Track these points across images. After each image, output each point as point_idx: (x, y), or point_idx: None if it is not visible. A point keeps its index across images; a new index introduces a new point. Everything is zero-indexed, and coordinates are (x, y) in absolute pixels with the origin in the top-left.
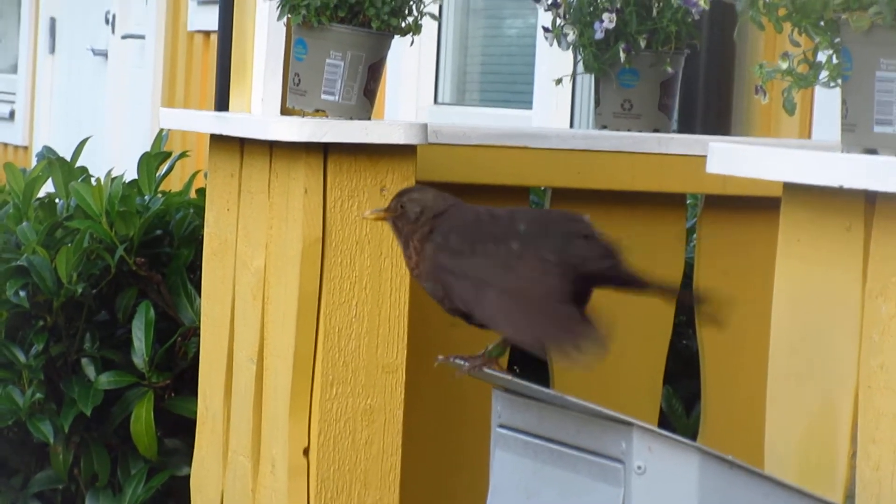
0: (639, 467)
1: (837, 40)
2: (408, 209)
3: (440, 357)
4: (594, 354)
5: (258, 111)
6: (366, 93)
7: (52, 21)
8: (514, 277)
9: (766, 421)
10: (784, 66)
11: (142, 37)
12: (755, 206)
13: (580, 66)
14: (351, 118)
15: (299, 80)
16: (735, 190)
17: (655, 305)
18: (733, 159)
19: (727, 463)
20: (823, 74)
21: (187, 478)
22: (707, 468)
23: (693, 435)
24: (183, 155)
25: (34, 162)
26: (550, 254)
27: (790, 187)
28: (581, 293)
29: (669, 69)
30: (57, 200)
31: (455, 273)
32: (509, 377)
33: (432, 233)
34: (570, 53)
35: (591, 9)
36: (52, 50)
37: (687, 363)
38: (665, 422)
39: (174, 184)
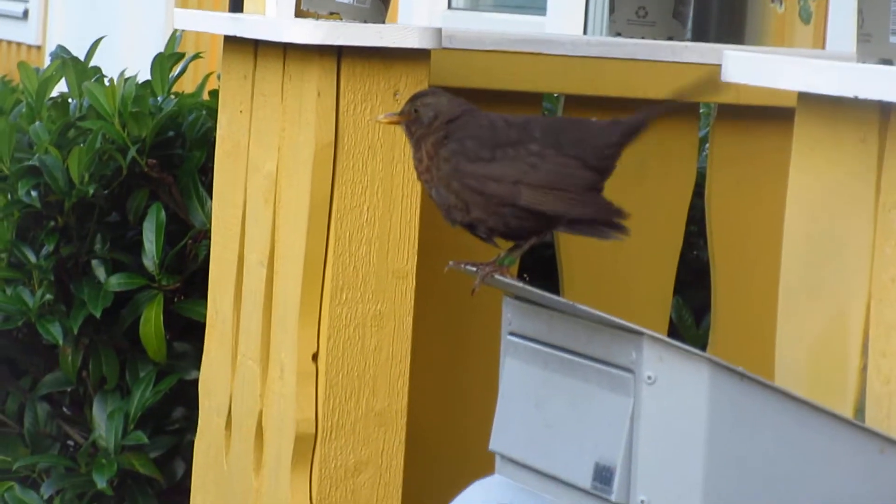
0: (649, 377)
1: None
2: (421, 113)
3: (451, 263)
4: (626, 231)
5: (272, 12)
6: None
7: None
8: (542, 174)
9: (776, 333)
10: None
11: None
12: (768, 116)
13: None
14: (365, 21)
15: None
16: (748, 99)
17: (666, 216)
18: (749, 68)
19: (738, 375)
20: None
21: (196, 381)
22: (717, 379)
23: (703, 346)
24: (196, 56)
25: (47, 61)
26: (569, 151)
27: (805, 97)
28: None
29: None
30: (70, 100)
31: (477, 177)
32: (521, 284)
33: (447, 139)
34: None
35: None
36: None
37: (697, 274)
38: (674, 332)
39: (187, 85)
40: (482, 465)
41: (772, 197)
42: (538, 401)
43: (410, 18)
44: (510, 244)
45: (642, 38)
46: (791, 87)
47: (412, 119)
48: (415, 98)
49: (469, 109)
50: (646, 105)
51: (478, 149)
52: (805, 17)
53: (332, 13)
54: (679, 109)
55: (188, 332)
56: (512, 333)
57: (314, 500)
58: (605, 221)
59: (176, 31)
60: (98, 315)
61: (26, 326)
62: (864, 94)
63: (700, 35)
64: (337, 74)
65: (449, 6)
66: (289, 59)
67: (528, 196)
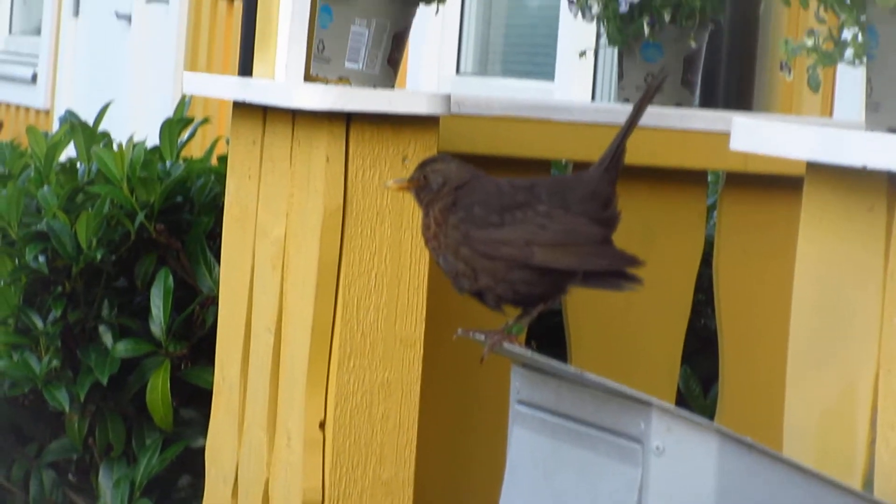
0: (657, 448)
1: (863, 18)
2: (431, 180)
3: (460, 330)
4: (640, 281)
5: (282, 78)
6: (390, 62)
7: None
8: (551, 234)
9: (785, 403)
10: (809, 42)
11: (166, 1)
12: (777, 185)
13: (604, 39)
14: (374, 87)
15: (323, 48)
16: (757, 168)
17: (674, 284)
18: (757, 136)
19: (746, 445)
20: (849, 52)
21: (202, 449)
22: (726, 450)
23: (710, 416)
24: (205, 121)
25: (56, 126)
26: (576, 209)
27: (813, 166)
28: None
29: (693, 44)
30: (78, 165)
31: (487, 242)
32: (529, 353)
33: (455, 205)
34: (592, 26)
35: None
36: (77, 13)
37: (705, 343)
38: (682, 401)
39: (196, 150)
40: None
41: (780, 266)
42: (546, 471)
43: (418, 84)
44: (518, 311)
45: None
46: (799, 155)
47: (421, 185)
48: (424, 164)
49: (476, 175)
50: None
51: (486, 214)
52: (814, 86)
53: (341, 78)
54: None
55: (195, 399)
56: (520, 402)
57: None
58: (619, 272)
59: (185, 95)
60: (105, 381)
61: (33, 393)
62: (872, 163)
63: (708, 102)
64: (346, 140)
65: (457, 72)
66: (298, 125)
67: (541, 255)
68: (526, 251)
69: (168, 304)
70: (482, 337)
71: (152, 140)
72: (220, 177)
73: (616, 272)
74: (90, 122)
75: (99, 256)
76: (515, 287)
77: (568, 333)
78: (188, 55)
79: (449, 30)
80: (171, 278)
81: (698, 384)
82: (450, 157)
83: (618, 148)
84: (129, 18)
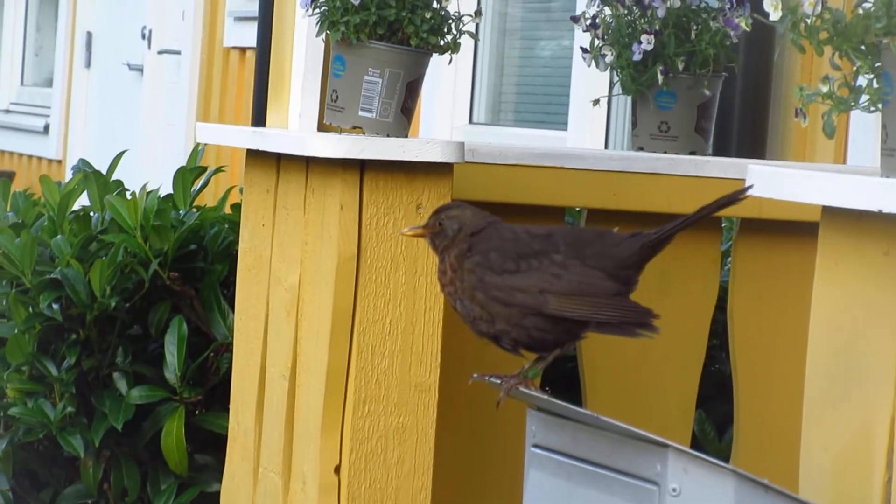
0: (674, 490)
1: (878, 64)
2: (446, 226)
3: (475, 375)
4: (656, 330)
5: (295, 127)
6: (403, 110)
7: (89, 35)
8: (566, 283)
9: (801, 445)
10: (824, 89)
11: (178, 52)
12: (791, 231)
13: (617, 88)
14: (388, 135)
15: (337, 97)
16: (771, 214)
17: (688, 330)
18: (772, 182)
19: (762, 486)
20: (864, 99)
21: (217, 494)
22: (742, 491)
23: (725, 460)
24: (218, 170)
25: (68, 176)
26: (592, 263)
27: (829, 211)
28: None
29: (707, 92)
30: (92, 214)
31: (502, 288)
32: (545, 396)
33: (470, 251)
34: (604, 75)
35: (630, 30)
36: (88, 64)
37: (720, 387)
38: (697, 445)
39: (209, 199)
40: None
41: (794, 310)
42: None
43: (432, 132)
44: (534, 356)
45: (664, 152)
46: (815, 201)
47: (436, 232)
48: (439, 211)
49: (493, 221)
50: (668, 219)
51: (502, 261)
52: (829, 132)
53: (354, 127)
54: (699, 223)
55: (210, 445)
56: (536, 446)
57: None
58: (634, 322)
59: (198, 144)
60: (119, 427)
61: (47, 439)
62: (887, 208)
63: (722, 150)
64: (360, 188)
65: (470, 121)
66: (311, 173)
67: (555, 303)
68: (540, 298)
69: (182, 351)
70: (498, 381)
71: (166, 189)
72: (234, 225)
73: (631, 322)
74: (103, 171)
75: (113, 304)
76: (530, 332)
77: (583, 379)
78: (200, 105)
79: (462, 79)
80: (185, 325)
81: (713, 428)
82: (465, 204)
83: (665, 235)
84: (140, 69)
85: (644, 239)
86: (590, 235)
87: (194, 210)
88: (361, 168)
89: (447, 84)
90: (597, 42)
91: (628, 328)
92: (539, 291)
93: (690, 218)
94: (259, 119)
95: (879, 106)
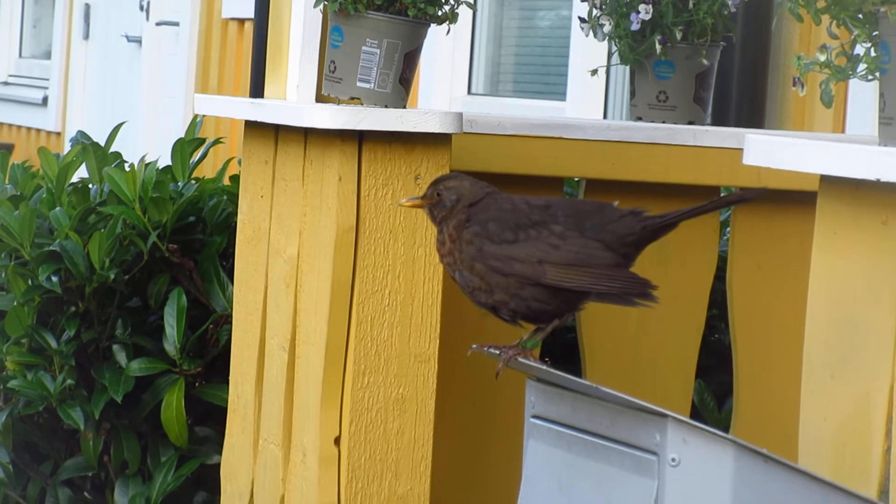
0: (673, 459)
1: (876, 33)
2: (444, 197)
3: (474, 346)
4: (653, 301)
5: (293, 98)
6: (401, 81)
7: (87, 7)
8: (564, 254)
9: (800, 415)
10: (822, 58)
11: (176, 24)
12: (789, 200)
13: (615, 58)
14: (386, 106)
15: (335, 68)
16: (769, 183)
17: (688, 300)
18: (770, 151)
19: (762, 456)
20: (861, 67)
21: (217, 466)
22: (742, 461)
23: (725, 430)
24: (217, 141)
25: (67, 148)
26: (591, 235)
27: (827, 180)
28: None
29: (705, 61)
30: (90, 186)
31: (500, 258)
32: (544, 367)
33: (469, 221)
34: (603, 46)
35: (628, 0)
36: (87, 36)
37: (719, 357)
38: (697, 415)
39: (207, 170)
40: None
41: (793, 280)
42: (562, 484)
43: (430, 103)
44: (533, 327)
45: (663, 122)
46: (814, 170)
47: (435, 202)
48: (438, 182)
49: (491, 192)
50: (667, 189)
51: (500, 231)
52: (827, 101)
53: (352, 98)
54: (688, 195)
55: (210, 417)
56: (535, 416)
57: None
58: (633, 293)
59: (196, 116)
60: (119, 400)
61: (47, 411)
62: (886, 176)
63: (720, 119)
64: (358, 159)
65: (469, 91)
66: (310, 144)
67: (553, 273)
68: (538, 269)
69: (182, 323)
70: (497, 352)
71: (164, 161)
72: (233, 196)
73: (630, 292)
74: (101, 143)
75: (112, 276)
76: (528, 303)
77: (582, 349)
78: (199, 76)
79: (460, 50)
80: (184, 297)
81: (712, 398)
82: (463, 175)
83: (669, 221)
84: (139, 41)
85: (646, 221)
86: (589, 207)
87: (193, 182)
88: (360, 139)
89: (445, 54)
90: (595, 12)
91: (627, 298)
92: (537, 262)
93: (697, 209)
94: (257, 90)
95: (877, 75)
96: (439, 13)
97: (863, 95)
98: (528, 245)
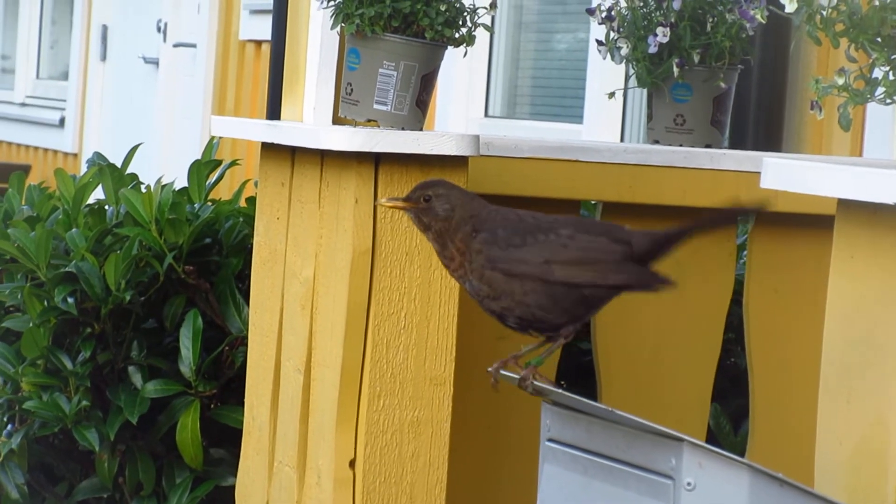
0: (689, 483)
1: (894, 56)
2: (434, 205)
3: (494, 370)
4: (670, 287)
5: (310, 120)
6: (418, 103)
7: (104, 28)
8: (572, 252)
9: (816, 439)
10: (840, 81)
11: (193, 45)
12: (806, 224)
13: (632, 81)
14: (403, 128)
15: (352, 90)
16: (786, 207)
17: (704, 323)
18: (788, 175)
19: (777, 481)
20: (880, 91)
21: (232, 488)
22: (757, 485)
23: (741, 453)
24: (233, 163)
25: (84, 169)
26: (600, 238)
27: (844, 204)
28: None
29: (723, 84)
30: (106, 207)
31: (507, 261)
32: (559, 391)
33: (476, 231)
34: (620, 69)
35: (646, 23)
36: (104, 57)
37: (735, 381)
38: (712, 439)
39: (224, 192)
40: None
41: (810, 304)
42: None
43: (447, 125)
44: (540, 343)
45: (680, 145)
46: (831, 193)
47: (421, 207)
48: (424, 186)
49: (489, 206)
50: (684, 212)
51: (509, 236)
52: (844, 125)
53: (369, 120)
54: (717, 225)
55: (225, 439)
56: (551, 440)
57: None
58: (642, 285)
59: (213, 137)
60: (134, 421)
61: (63, 432)
62: None
63: (738, 142)
64: (374, 181)
65: (486, 114)
66: (326, 166)
67: (561, 272)
68: (545, 268)
69: (197, 345)
70: (515, 377)
71: (181, 182)
72: (249, 218)
73: (640, 285)
74: (118, 165)
75: (128, 298)
76: (533, 310)
77: (598, 372)
78: (215, 98)
79: (477, 72)
80: (199, 319)
81: (728, 422)
82: (449, 182)
83: (675, 237)
84: (156, 62)
85: (655, 235)
86: (599, 224)
87: (209, 203)
88: (376, 161)
89: (462, 77)
90: (612, 34)
91: (639, 289)
92: (544, 262)
93: (705, 221)
94: (274, 112)
95: (895, 98)
96: (456, 35)
97: (881, 119)
98: (537, 247)
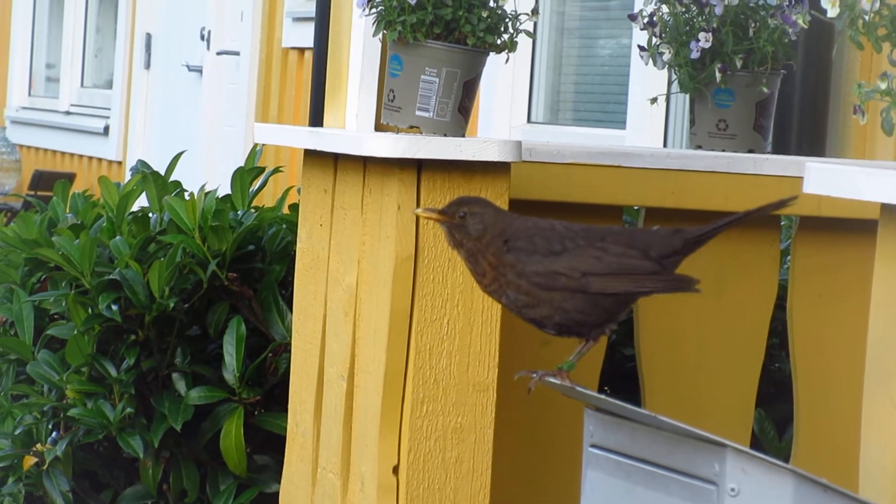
0: (732, 489)
1: None
2: (468, 223)
3: (531, 376)
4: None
5: (352, 127)
6: (460, 110)
7: (148, 37)
8: (606, 265)
9: (860, 444)
10: (883, 86)
11: (236, 53)
12: (850, 228)
13: (675, 86)
14: (445, 135)
15: (394, 97)
16: (830, 211)
17: (747, 329)
18: (831, 180)
19: (822, 486)
20: None
21: (276, 494)
22: (801, 491)
23: (785, 459)
24: (276, 170)
25: (128, 177)
26: (632, 248)
27: (888, 208)
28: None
29: (765, 89)
30: (150, 214)
31: (544, 274)
32: (602, 396)
33: (507, 244)
34: (663, 74)
35: (688, 28)
36: (148, 65)
37: (779, 386)
38: (757, 445)
39: (267, 199)
40: None
41: (853, 308)
42: None
43: (490, 131)
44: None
45: (723, 150)
46: (874, 198)
47: (456, 223)
48: (461, 202)
49: (519, 217)
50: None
51: (542, 245)
52: (888, 129)
53: (411, 127)
54: (746, 222)
55: (268, 445)
56: (594, 446)
57: None
58: (677, 290)
59: (256, 145)
60: (179, 428)
61: (107, 440)
62: None
63: (781, 147)
64: (417, 187)
65: (528, 120)
66: (369, 173)
67: (598, 284)
68: (583, 282)
69: (241, 352)
70: (557, 381)
71: (224, 190)
72: (292, 225)
73: (675, 290)
74: (161, 172)
75: (171, 305)
76: (572, 315)
77: (641, 378)
78: (258, 105)
79: (520, 79)
80: (243, 326)
81: (773, 427)
82: (486, 201)
83: (710, 232)
84: (199, 70)
85: (686, 235)
86: (629, 231)
87: (252, 210)
88: (419, 168)
89: (505, 83)
90: (654, 40)
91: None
92: (581, 275)
93: (736, 219)
94: (316, 119)
95: None
96: (498, 42)
97: None
98: (571, 257)
